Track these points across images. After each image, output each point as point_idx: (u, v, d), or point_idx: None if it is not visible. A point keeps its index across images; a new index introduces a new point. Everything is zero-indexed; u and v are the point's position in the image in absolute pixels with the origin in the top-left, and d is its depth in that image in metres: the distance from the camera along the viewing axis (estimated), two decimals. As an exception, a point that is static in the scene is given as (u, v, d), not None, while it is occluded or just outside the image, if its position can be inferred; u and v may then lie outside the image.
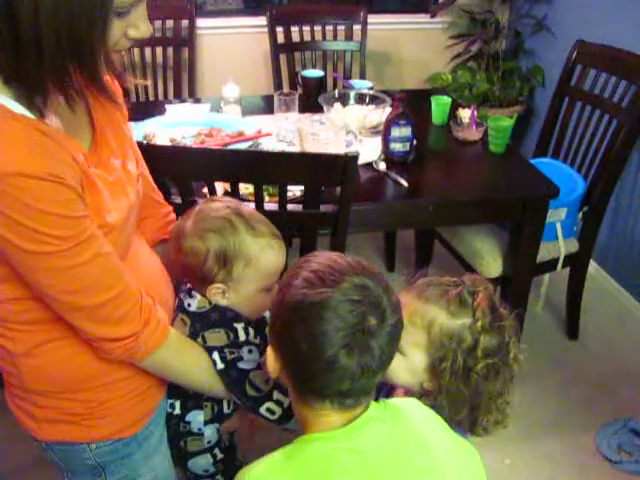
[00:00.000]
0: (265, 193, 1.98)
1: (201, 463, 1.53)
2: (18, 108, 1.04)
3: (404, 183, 2.24)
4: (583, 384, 2.79)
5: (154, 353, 1.25)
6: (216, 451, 1.53)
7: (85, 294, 1.13)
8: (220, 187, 1.92)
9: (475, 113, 2.62)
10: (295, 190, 2.01)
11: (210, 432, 1.50)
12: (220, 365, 1.35)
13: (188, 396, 1.46)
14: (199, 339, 1.35)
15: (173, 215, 1.57)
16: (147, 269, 1.37)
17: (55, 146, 1.06)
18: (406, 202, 2.22)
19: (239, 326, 1.39)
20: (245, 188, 1.97)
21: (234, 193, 1.77)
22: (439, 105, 2.74)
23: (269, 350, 1.12)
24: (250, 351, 1.39)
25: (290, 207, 1.79)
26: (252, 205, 1.78)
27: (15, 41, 0.99)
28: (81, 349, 1.23)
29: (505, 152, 2.53)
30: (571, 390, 2.75)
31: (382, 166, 2.35)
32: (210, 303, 1.38)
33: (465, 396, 1.28)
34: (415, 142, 2.42)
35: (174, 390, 1.45)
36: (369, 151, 2.41)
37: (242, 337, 1.38)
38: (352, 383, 1.05)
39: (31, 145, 1.03)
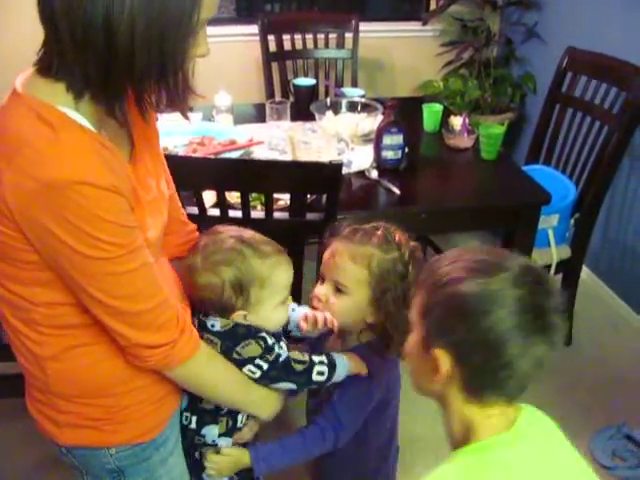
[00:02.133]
0: (257, 202, 1.98)
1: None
2: (82, 120, 1.10)
3: (396, 191, 2.24)
4: (577, 390, 2.79)
5: (187, 363, 1.28)
6: None
7: (132, 300, 1.17)
8: (209, 195, 1.92)
9: (467, 120, 2.63)
10: (287, 199, 2.01)
11: (224, 443, 1.53)
12: (266, 366, 1.41)
13: (205, 412, 1.49)
14: (234, 355, 1.40)
15: (196, 233, 1.59)
16: (169, 284, 1.40)
17: (114, 159, 1.12)
18: (398, 210, 2.23)
19: (264, 334, 1.43)
20: (237, 197, 1.98)
21: (222, 202, 1.77)
22: (431, 113, 2.75)
23: (437, 354, 1.09)
24: (280, 347, 1.45)
25: (277, 215, 1.79)
26: (239, 213, 1.79)
27: (109, 53, 1.05)
28: (107, 355, 1.26)
29: (497, 159, 2.54)
30: (565, 396, 2.75)
31: (374, 174, 2.36)
32: (233, 320, 1.43)
33: (407, 322, 1.36)
34: (407, 150, 2.42)
35: (192, 406, 1.49)
36: (361, 159, 2.42)
37: (270, 341, 1.43)
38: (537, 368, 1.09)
39: (96, 156, 1.08)
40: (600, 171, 2.66)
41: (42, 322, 1.22)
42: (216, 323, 1.42)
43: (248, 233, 1.46)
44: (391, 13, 4.37)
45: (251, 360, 1.40)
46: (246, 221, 1.80)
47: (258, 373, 1.41)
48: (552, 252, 2.65)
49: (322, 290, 1.52)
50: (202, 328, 1.43)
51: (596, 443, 2.51)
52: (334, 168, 1.66)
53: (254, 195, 2.00)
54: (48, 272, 1.14)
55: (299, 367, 1.43)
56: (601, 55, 2.77)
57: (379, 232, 1.51)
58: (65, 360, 1.25)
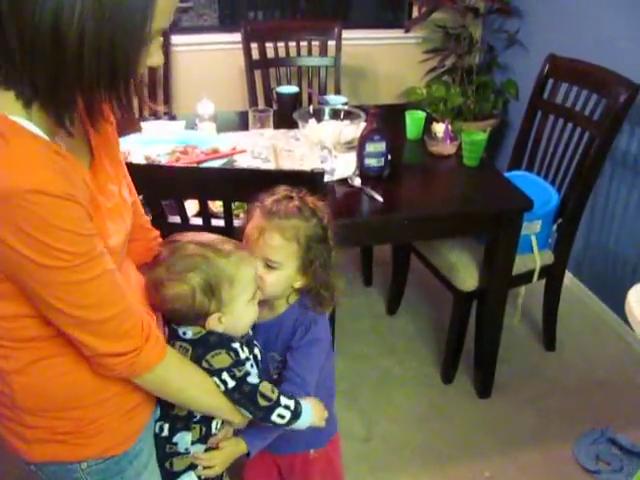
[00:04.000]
0: (240, 210, 1.98)
1: None
2: (34, 129, 1.07)
3: (379, 198, 2.25)
4: (561, 395, 2.81)
5: (154, 369, 1.27)
6: (200, 470, 1.54)
7: (94, 309, 1.15)
8: (192, 205, 1.92)
9: (449, 127, 2.64)
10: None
11: (197, 451, 1.52)
12: (232, 383, 1.40)
13: (178, 418, 1.48)
14: (204, 364, 1.40)
15: (159, 239, 1.58)
16: (134, 290, 1.38)
17: (69, 167, 1.10)
18: (381, 217, 2.23)
19: (236, 345, 1.43)
20: (220, 206, 1.98)
21: (204, 210, 1.77)
22: (413, 120, 2.76)
23: None
24: (252, 365, 1.46)
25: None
26: (222, 222, 1.79)
27: (57, 60, 1.03)
28: (74, 367, 1.24)
29: (479, 165, 2.55)
30: (549, 401, 2.77)
31: (357, 182, 2.36)
32: (205, 328, 1.43)
33: (331, 279, 1.58)
34: (390, 157, 2.43)
35: (164, 413, 1.48)
36: (344, 167, 2.42)
37: (242, 355, 1.43)
38: None
39: (49, 164, 1.06)
40: (582, 177, 2.67)
41: (5, 336, 1.20)
42: (188, 331, 1.43)
43: (205, 236, 1.46)
44: (374, 21, 4.38)
45: (219, 372, 1.40)
46: (229, 230, 1.80)
47: (222, 388, 1.41)
48: (535, 258, 2.66)
49: None
50: (174, 336, 1.44)
51: (580, 447, 2.52)
52: (316, 176, 1.66)
53: (237, 204, 2.00)
54: (8, 284, 1.12)
55: (263, 402, 1.43)
56: (582, 62, 2.79)
57: (296, 201, 1.54)
58: (31, 373, 1.23)
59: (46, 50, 1.02)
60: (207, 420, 1.51)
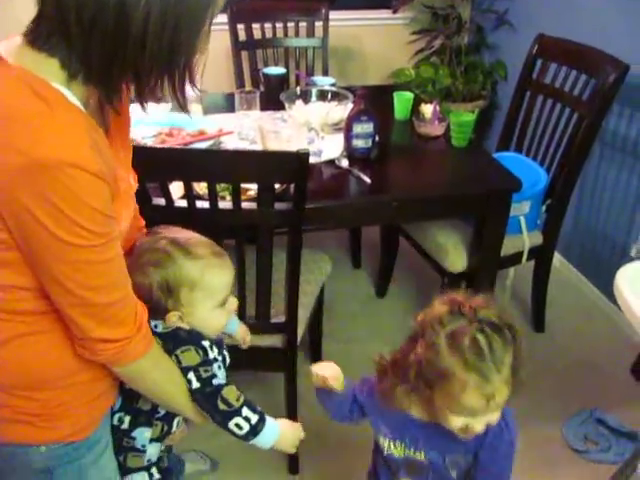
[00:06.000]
0: (226, 192, 1.96)
1: None
2: (75, 101, 1.07)
3: (367, 180, 2.23)
4: (549, 376, 2.80)
5: (138, 361, 1.27)
6: (154, 470, 1.55)
7: (102, 291, 1.15)
8: (177, 187, 1.89)
9: (437, 108, 2.62)
10: (256, 189, 1.99)
11: (153, 450, 1.52)
12: (196, 384, 1.39)
13: (141, 413, 1.48)
14: (173, 359, 1.39)
15: (144, 230, 1.57)
16: None
17: (102, 141, 1.10)
18: (369, 198, 2.21)
19: (206, 344, 1.43)
20: (205, 188, 1.95)
21: (189, 193, 1.75)
22: (401, 101, 2.74)
23: None
24: (219, 367, 1.44)
25: (245, 205, 1.77)
26: (207, 204, 1.77)
27: (118, 40, 1.03)
28: (57, 346, 1.23)
29: (468, 146, 2.54)
30: (537, 382, 2.76)
31: (345, 163, 2.34)
32: (168, 321, 1.42)
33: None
34: (377, 138, 2.41)
35: (127, 405, 1.47)
36: (331, 148, 2.40)
37: (211, 354, 1.42)
38: None
39: (89, 140, 1.05)
40: (571, 157, 2.66)
41: None
42: (159, 324, 1.42)
43: (185, 235, 1.44)
44: (361, 1, 4.33)
45: (186, 370, 1.39)
46: (214, 212, 1.78)
47: (197, 385, 1.40)
48: (524, 239, 2.65)
49: None
50: None
51: (569, 428, 2.52)
52: (301, 157, 1.64)
53: (223, 185, 1.98)
54: (15, 253, 1.11)
55: (222, 407, 1.40)
56: (571, 42, 2.77)
57: (493, 332, 1.33)
58: (13, 348, 1.21)
59: (107, 29, 1.01)
60: (170, 418, 1.51)
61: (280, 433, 1.46)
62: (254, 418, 1.41)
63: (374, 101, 2.42)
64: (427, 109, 2.65)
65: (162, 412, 1.49)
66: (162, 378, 1.37)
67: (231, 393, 1.40)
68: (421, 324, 1.43)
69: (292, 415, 2.22)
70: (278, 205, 1.78)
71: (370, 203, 2.21)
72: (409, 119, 2.71)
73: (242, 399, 1.41)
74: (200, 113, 2.68)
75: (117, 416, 1.47)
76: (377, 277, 3.30)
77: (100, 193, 1.07)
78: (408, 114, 2.73)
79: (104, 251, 1.11)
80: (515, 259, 2.72)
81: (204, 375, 1.39)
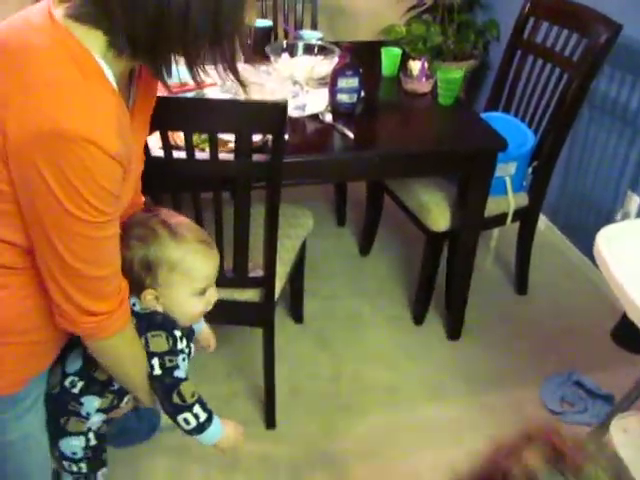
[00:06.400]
0: (206, 144, 1.92)
1: (73, 444, 1.54)
2: (111, 77, 1.08)
3: (350, 135, 2.20)
4: (530, 338, 2.81)
5: (113, 337, 1.28)
6: (91, 436, 1.55)
7: (94, 265, 1.16)
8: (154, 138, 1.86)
9: (425, 65, 2.58)
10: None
11: (96, 419, 1.53)
12: (157, 371, 1.40)
13: (96, 382, 1.48)
14: (142, 341, 1.40)
15: (142, 206, 1.57)
16: None
17: (126, 125, 1.11)
18: (352, 153, 2.18)
19: (178, 334, 1.44)
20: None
21: (165, 142, 1.72)
22: (389, 57, 2.69)
23: None
24: (184, 359, 1.46)
25: (222, 156, 1.75)
26: (183, 154, 1.74)
27: (160, 16, 1.03)
28: (14, 305, 1.23)
29: (455, 105, 2.50)
30: (518, 344, 2.77)
31: (328, 118, 2.30)
32: (144, 298, 1.42)
33: None
34: (363, 94, 2.37)
35: (84, 371, 1.47)
36: (316, 102, 2.36)
37: (179, 345, 1.44)
38: None
39: (115, 121, 1.06)
40: (559, 119, 2.63)
41: None
42: (137, 303, 1.42)
43: (177, 218, 1.44)
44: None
45: (152, 355, 1.40)
46: (191, 163, 1.75)
47: (158, 372, 1.41)
48: (509, 200, 2.63)
49: None
50: None
51: (546, 389, 2.53)
52: (280, 107, 1.61)
53: (203, 137, 1.94)
54: (12, 206, 1.10)
55: (176, 400, 1.41)
56: (563, 1, 2.72)
57: None
58: None
59: (148, 9, 1.02)
60: (123, 393, 1.52)
61: (223, 435, 1.48)
62: (203, 416, 1.44)
63: (362, 56, 2.38)
64: (415, 66, 2.60)
65: (117, 386, 1.49)
66: (128, 358, 1.38)
67: (188, 389, 1.42)
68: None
69: (269, 370, 2.21)
70: (256, 157, 1.75)
71: (353, 158, 2.19)
72: (397, 76, 2.67)
73: (196, 396, 1.43)
74: (183, 65, 2.62)
75: (70, 379, 1.47)
76: (361, 235, 3.28)
77: (113, 174, 1.08)
78: (396, 70, 2.69)
79: (105, 228, 1.12)
80: (500, 220, 2.70)
81: (168, 364, 1.40)
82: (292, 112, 2.31)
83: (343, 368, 2.62)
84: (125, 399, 1.54)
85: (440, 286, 2.82)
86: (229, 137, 1.93)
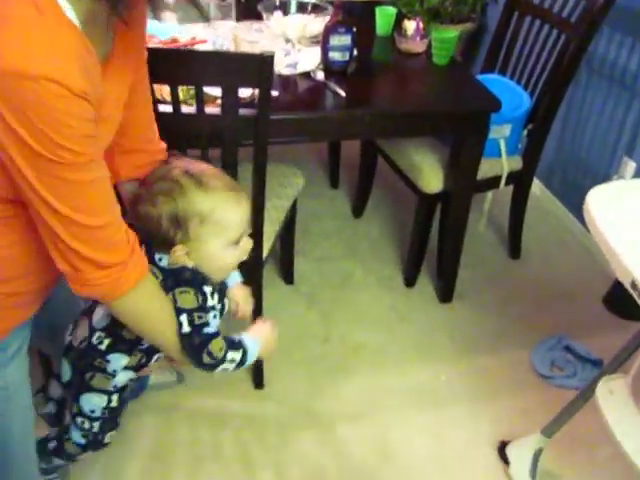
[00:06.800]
0: (194, 101, 1.90)
1: (94, 402, 1.52)
2: (72, 15, 1.01)
3: (341, 93, 2.17)
4: (522, 302, 2.80)
5: (134, 290, 1.23)
6: (114, 397, 1.53)
7: (90, 213, 1.11)
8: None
9: (420, 24, 2.54)
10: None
11: (123, 377, 1.50)
12: (186, 328, 1.34)
13: (123, 340, 1.44)
14: (170, 296, 1.34)
15: (164, 154, 1.52)
16: None
17: (92, 65, 1.05)
18: (343, 112, 2.14)
19: (208, 290, 1.37)
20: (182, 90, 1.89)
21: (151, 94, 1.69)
22: (383, 16, 2.65)
23: None
24: (215, 316, 1.39)
25: (208, 110, 1.72)
26: (169, 109, 1.71)
27: None
28: (7, 248, 1.20)
29: (449, 65, 2.47)
30: (510, 308, 2.77)
31: (320, 75, 2.27)
32: (174, 255, 1.36)
33: None
34: (356, 52, 2.34)
35: (111, 328, 1.43)
36: (308, 60, 2.33)
37: (210, 302, 1.37)
38: None
39: (76, 58, 1.00)
40: (556, 81, 2.59)
41: None
42: (163, 258, 1.36)
43: (200, 166, 1.37)
44: None
45: (180, 311, 1.33)
46: (176, 117, 1.73)
47: (187, 329, 1.34)
48: (503, 163, 2.61)
49: None
50: (150, 261, 1.35)
51: (536, 353, 2.53)
52: (266, 59, 1.57)
53: (191, 93, 1.92)
54: None
55: (207, 360, 1.36)
56: (561, -39, 2.68)
57: None
58: None
59: None
60: (152, 352, 1.47)
61: (260, 348, 1.45)
62: (238, 357, 1.40)
63: (357, 16, 2.34)
64: (410, 25, 2.56)
65: (145, 345, 1.45)
66: (153, 314, 1.33)
67: (216, 346, 1.36)
68: None
69: (257, 330, 2.20)
70: (243, 111, 1.72)
71: (344, 116, 2.15)
72: (391, 35, 2.63)
73: (225, 347, 1.37)
74: (175, 21, 2.59)
75: (97, 335, 1.44)
76: (354, 197, 3.26)
77: (82, 113, 1.01)
78: (390, 30, 2.65)
79: (87, 170, 1.07)
80: (493, 183, 2.67)
81: (197, 321, 1.34)
82: (283, 70, 2.28)
83: (333, 329, 2.61)
84: (155, 357, 1.49)
85: (433, 249, 2.81)
86: (218, 93, 1.90)
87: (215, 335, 1.36)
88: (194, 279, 1.35)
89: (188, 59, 1.62)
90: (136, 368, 1.49)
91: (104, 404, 1.52)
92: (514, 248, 3.03)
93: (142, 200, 1.33)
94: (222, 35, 2.44)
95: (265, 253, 2.08)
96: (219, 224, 1.33)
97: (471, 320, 2.70)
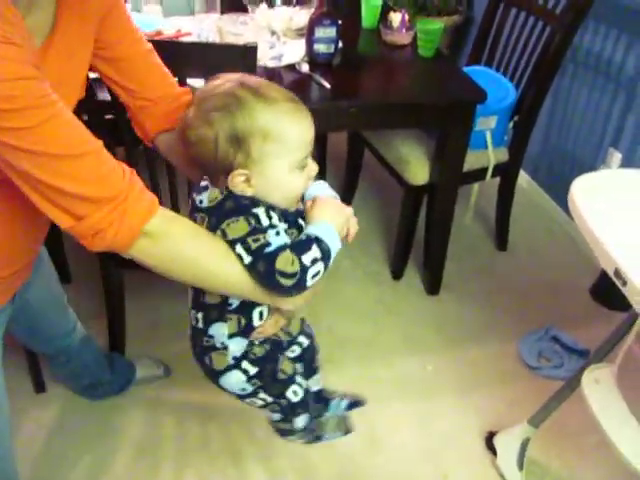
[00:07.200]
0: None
1: (233, 381, 1.37)
2: None
3: (326, 85, 2.16)
4: (509, 294, 2.81)
5: (150, 222, 1.09)
6: (245, 365, 1.35)
7: (66, 146, 1.01)
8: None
9: (406, 16, 2.54)
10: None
11: (235, 346, 1.33)
12: (247, 258, 1.15)
13: (210, 307, 1.30)
14: (219, 233, 1.17)
15: (189, 95, 1.40)
16: None
17: (12, 17, 0.99)
18: (328, 104, 2.14)
19: (259, 211, 1.17)
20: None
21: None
22: (369, 8, 2.65)
23: None
24: (277, 233, 1.18)
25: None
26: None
27: None
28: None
29: (435, 57, 2.47)
30: (497, 300, 2.77)
31: (305, 68, 2.27)
32: (222, 192, 1.20)
33: None
34: (341, 44, 2.34)
35: (196, 302, 1.32)
36: (292, 53, 2.33)
37: (265, 222, 1.17)
38: None
39: None
40: (541, 73, 2.60)
41: None
42: (204, 198, 1.21)
43: (256, 79, 1.20)
44: None
45: (233, 244, 1.16)
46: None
47: (248, 259, 1.16)
48: (489, 154, 2.61)
49: None
50: (194, 208, 1.23)
51: (524, 344, 2.53)
52: (249, 50, 1.57)
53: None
54: None
55: (287, 282, 1.16)
56: (546, -48, 2.68)
57: None
58: None
59: None
60: (245, 309, 1.29)
61: (332, 229, 1.25)
62: (317, 253, 1.19)
63: (342, 8, 2.34)
64: (395, 17, 2.56)
65: (235, 304, 1.28)
66: (195, 250, 1.15)
67: (284, 261, 1.16)
68: None
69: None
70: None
71: (329, 108, 2.15)
72: (376, 27, 2.63)
73: (294, 257, 1.16)
74: (160, 14, 2.58)
75: (192, 313, 1.33)
76: (341, 189, 3.25)
77: (5, 54, 0.93)
78: (375, 22, 2.65)
79: (44, 106, 0.98)
80: (480, 175, 2.68)
81: (253, 246, 1.15)
82: (268, 62, 2.28)
83: (319, 322, 2.61)
84: (255, 314, 1.30)
85: (420, 241, 2.81)
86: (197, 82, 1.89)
87: (278, 251, 1.16)
88: (238, 207, 1.17)
89: (171, 51, 1.61)
90: (244, 333, 1.31)
91: (243, 377, 1.36)
92: (501, 240, 3.04)
93: (193, 121, 1.17)
94: (207, 28, 2.43)
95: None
96: (284, 140, 1.15)
97: (458, 312, 2.70)
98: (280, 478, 2.06)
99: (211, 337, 1.32)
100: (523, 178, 3.36)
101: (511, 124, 2.70)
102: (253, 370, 1.36)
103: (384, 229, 3.11)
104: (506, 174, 2.82)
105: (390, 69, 2.45)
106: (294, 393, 1.44)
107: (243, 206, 1.17)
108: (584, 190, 1.66)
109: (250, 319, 1.30)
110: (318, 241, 1.19)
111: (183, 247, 1.14)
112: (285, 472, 2.08)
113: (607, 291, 2.73)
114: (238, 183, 1.17)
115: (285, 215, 1.22)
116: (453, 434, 2.23)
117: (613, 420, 1.59)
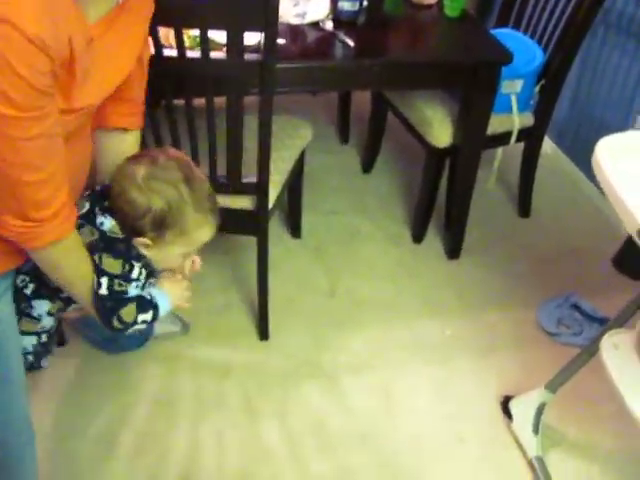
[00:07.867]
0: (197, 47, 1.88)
1: (25, 343, 1.55)
2: None
3: (350, 43, 2.14)
4: (530, 261, 2.78)
5: (50, 246, 1.25)
6: (43, 336, 1.57)
7: (16, 168, 1.08)
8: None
9: (433, -25, 2.49)
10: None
11: (47, 322, 1.55)
12: (104, 291, 1.39)
13: (46, 286, 1.48)
14: (96, 257, 1.38)
15: (143, 106, 1.56)
16: (78, 158, 1.36)
17: (63, 13, 1.00)
18: (351, 62, 2.12)
19: (137, 265, 1.43)
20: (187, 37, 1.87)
21: (154, 40, 1.67)
22: (396, -34, 2.60)
23: None
24: (137, 287, 1.46)
25: (213, 55, 1.70)
26: (174, 53, 1.70)
27: None
28: None
29: (460, 17, 2.42)
30: (518, 266, 2.75)
31: (329, 25, 2.24)
32: (122, 231, 1.40)
33: None
34: (366, 2, 2.30)
35: (34, 272, 1.45)
36: (317, 10, 2.29)
37: (135, 275, 1.43)
38: None
39: (43, 4, 0.95)
40: (569, 36, 2.54)
41: None
42: (106, 223, 1.39)
43: (198, 175, 1.42)
44: None
45: (102, 274, 1.38)
46: (181, 61, 1.71)
47: (95, 287, 1.39)
48: (514, 118, 2.58)
49: None
50: (88, 219, 1.40)
51: (543, 311, 2.52)
52: (270, 1, 1.54)
53: (197, 40, 1.89)
54: None
55: (116, 324, 1.43)
56: None
57: None
58: None
59: None
60: (70, 301, 1.53)
61: (170, 301, 1.54)
62: (149, 316, 1.48)
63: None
64: (423, -24, 2.52)
65: (66, 294, 1.49)
66: (68, 269, 1.35)
67: (128, 312, 1.44)
68: None
69: (263, 280, 2.20)
70: (248, 56, 1.70)
71: (352, 66, 2.12)
72: (403, -14, 2.59)
73: (135, 313, 1.45)
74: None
75: (22, 277, 1.46)
76: (364, 153, 3.23)
77: (33, 62, 0.96)
78: (402, -19, 2.60)
79: (25, 127, 1.03)
80: (504, 139, 2.64)
81: (117, 288, 1.40)
82: (292, 19, 2.25)
83: (339, 283, 2.61)
84: (72, 307, 1.55)
85: (441, 205, 2.79)
86: (224, 40, 1.87)
87: (128, 301, 1.43)
88: (127, 252, 1.41)
89: (193, 2, 1.59)
90: (58, 312, 1.56)
91: (34, 342, 1.56)
92: (524, 206, 3.01)
93: (136, 185, 1.35)
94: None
95: (271, 203, 2.06)
96: (192, 241, 1.44)
97: (478, 277, 2.68)
98: (295, 437, 2.07)
99: (31, 307, 1.52)
100: (547, 144, 3.31)
101: (537, 88, 2.65)
102: (44, 339, 1.58)
103: (406, 192, 3.09)
104: (531, 139, 2.78)
105: (415, 29, 2.41)
106: (46, 360, 1.66)
107: (130, 255, 1.41)
108: (609, 150, 1.63)
109: (69, 305, 1.55)
110: (155, 308, 1.49)
111: (60, 267, 1.34)
112: (301, 431, 2.08)
113: (630, 260, 2.70)
114: (140, 245, 1.41)
115: (151, 273, 1.52)
116: (470, 398, 2.23)
117: (632, 386, 1.58)
